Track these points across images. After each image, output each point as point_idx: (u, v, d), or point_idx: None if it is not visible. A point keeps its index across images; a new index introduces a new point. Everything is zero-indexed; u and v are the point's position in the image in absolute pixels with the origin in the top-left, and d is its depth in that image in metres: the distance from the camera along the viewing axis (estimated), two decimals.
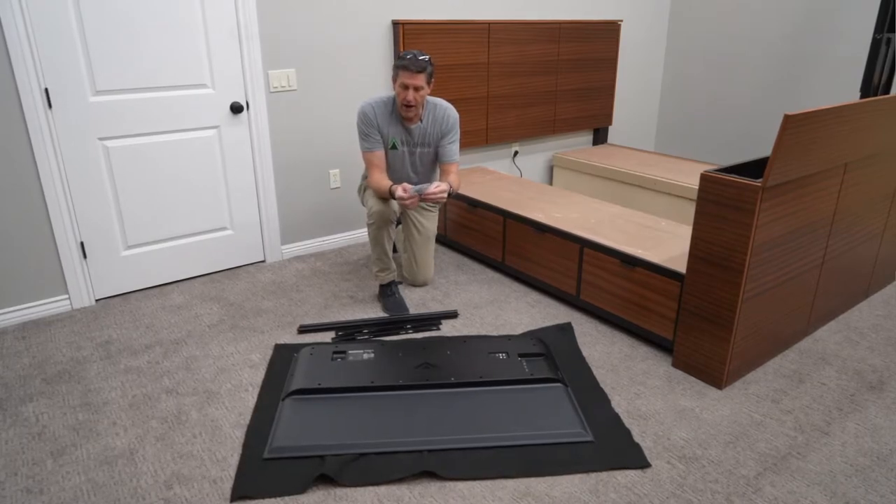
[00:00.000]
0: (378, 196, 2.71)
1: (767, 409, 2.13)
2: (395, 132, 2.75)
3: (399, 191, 2.54)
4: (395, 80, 2.61)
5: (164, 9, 2.75)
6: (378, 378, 2.20)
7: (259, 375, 2.32)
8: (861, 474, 1.82)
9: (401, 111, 2.67)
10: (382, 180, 2.68)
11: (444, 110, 2.78)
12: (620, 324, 2.64)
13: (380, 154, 2.73)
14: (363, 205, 2.95)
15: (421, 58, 2.57)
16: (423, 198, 2.56)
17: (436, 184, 2.56)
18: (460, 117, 3.76)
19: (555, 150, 4.56)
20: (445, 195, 2.57)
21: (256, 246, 3.36)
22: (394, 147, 2.77)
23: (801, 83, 4.20)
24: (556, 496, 1.74)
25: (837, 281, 2.64)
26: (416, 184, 2.87)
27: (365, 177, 2.94)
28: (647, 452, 1.91)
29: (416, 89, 2.58)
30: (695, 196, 3.52)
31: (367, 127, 2.69)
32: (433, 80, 2.67)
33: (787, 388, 2.24)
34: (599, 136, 4.75)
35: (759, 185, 1.96)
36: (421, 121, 2.75)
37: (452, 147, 2.81)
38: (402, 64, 2.55)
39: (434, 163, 2.89)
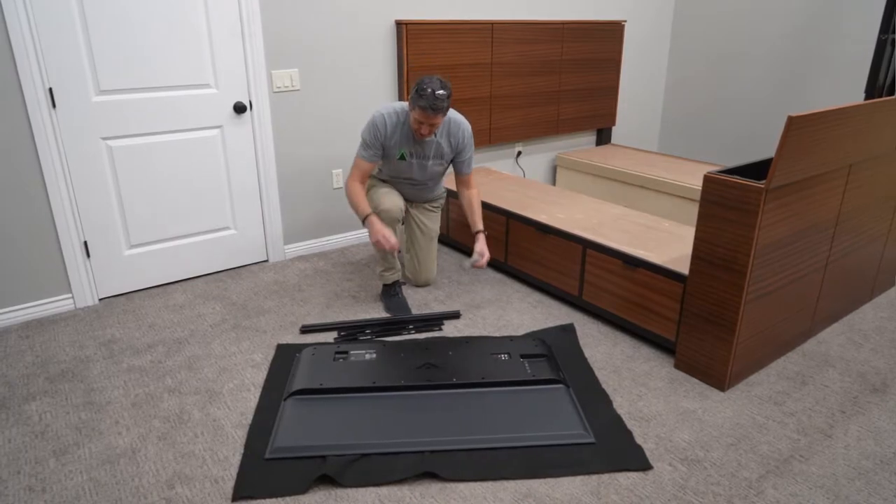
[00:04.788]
0: (351, 197, 2.67)
1: (770, 411, 2.12)
2: (405, 144, 2.70)
3: (382, 241, 2.57)
4: (411, 108, 2.53)
5: (167, 9, 2.75)
6: (380, 378, 2.20)
7: (261, 375, 2.32)
8: (864, 477, 1.82)
9: (415, 135, 2.64)
10: (359, 192, 2.65)
11: (459, 126, 2.74)
12: (623, 325, 2.63)
13: (371, 166, 2.69)
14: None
15: (440, 93, 2.44)
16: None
17: (475, 256, 2.77)
18: (464, 118, 3.76)
19: (558, 151, 4.56)
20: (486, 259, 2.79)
21: (259, 246, 3.36)
22: (402, 157, 2.75)
23: (806, 84, 4.19)
24: (558, 497, 1.74)
25: (841, 283, 2.63)
26: (420, 189, 2.89)
27: (370, 176, 2.93)
28: (648, 454, 1.91)
29: (433, 125, 2.54)
30: (698, 197, 3.51)
31: (373, 139, 2.64)
32: None
33: (789, 391, 2.24)
34: (603, 137, 4.74)
35: (763, 186, 1.96)
36: (434, 135, 2.71)
37: (469, 162, 2.82)
38: (421, 104, 2.45)
39: (442, 174, 2.90)
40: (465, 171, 2.83)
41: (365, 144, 2.66)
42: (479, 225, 2.88)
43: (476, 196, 2.88)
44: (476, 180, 3.67)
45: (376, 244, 2.61)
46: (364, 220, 2.62)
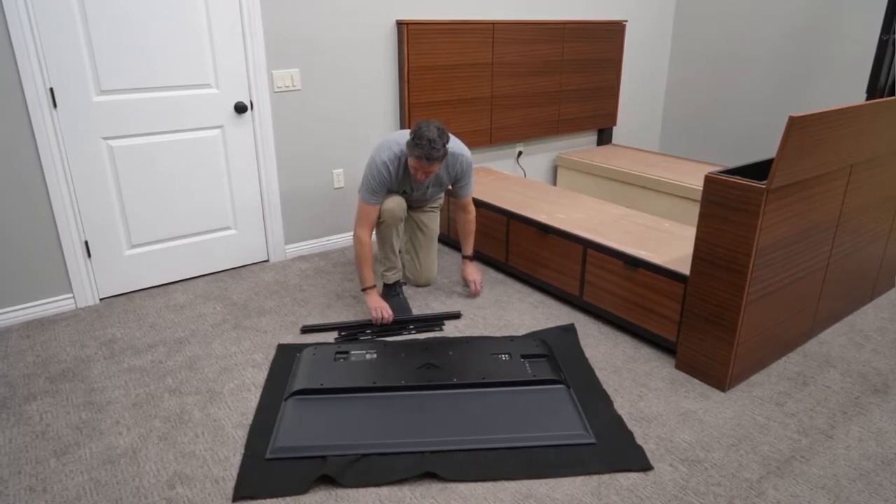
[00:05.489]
0: (358, 253, 2.67)
1: (771, 411, 2.12)
2: (405, 183, 2.74)
3: (375, 314, 2.64)
4: (408, 153, 2.51)
5: (168, 9, 2.75)
6: (380, 379, 2.20)
7: (262, 375, 2.32)
8: (865, 478, 1.82)
9: (412, 177, 2.65)
10: (367, 254, 2.66)
11: (457, 158, 2.72)
12: (623, 325, 2.63)
13: (378, 210, 2.69)
14: None
15: (436, 143, 2.42)
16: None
17: (472, 285, 2.93)
18: (464, 117, 3.76)
19: (559, 151, 4.56)
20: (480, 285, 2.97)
21: (260, 245, 3.36)
22: (404, 192, 2.78)
23: (807, 84, 4.19)
24: (558, 498, 1.74)
25: (842, 283, 2.62)
26: (420, 202, 2.90)
27: None
28: (649, 455, 1.90)
29: (428, 172, 2.53)
30: (699, 197, 3.51)
31: (379, 185, 2.62)
32: None
33: (790, 391, 2.24)
34: (604, 137, 4.74)
35: (764, 186, 1.96)
36: None
37: (468, 187, 2.83)
38: (417, 154, 2.45)
39: (441, 193, 2.94)
40: (463, 194, 2.85)
41: (371, 190, 2.63)
42: (469, 251, 2.99)
43: (472, 222, 2.94)
44: (478, 185, 3.67)
45: (372, 313, 2.66)
46: (363, 290, 2.70)
